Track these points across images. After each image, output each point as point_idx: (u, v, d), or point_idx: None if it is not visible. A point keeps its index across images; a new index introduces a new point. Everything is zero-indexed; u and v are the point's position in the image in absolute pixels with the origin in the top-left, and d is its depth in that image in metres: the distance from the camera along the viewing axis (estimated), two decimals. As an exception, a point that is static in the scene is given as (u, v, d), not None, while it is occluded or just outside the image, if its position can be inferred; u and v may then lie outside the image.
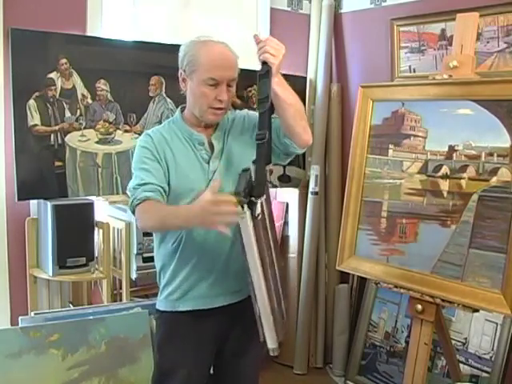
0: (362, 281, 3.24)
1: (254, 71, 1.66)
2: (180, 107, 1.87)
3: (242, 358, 1.87)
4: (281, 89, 1.66)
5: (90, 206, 2.56)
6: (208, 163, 1.77)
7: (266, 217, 1.64)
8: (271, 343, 1.62)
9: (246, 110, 1.92)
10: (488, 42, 2.80)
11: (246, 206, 1.46)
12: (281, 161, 1.88)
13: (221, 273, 1.77)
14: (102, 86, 2.65)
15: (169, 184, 1.74)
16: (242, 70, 1.78)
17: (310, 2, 3.50)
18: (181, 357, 1.79)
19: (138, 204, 1.66)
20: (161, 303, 1.85)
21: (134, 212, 1.70)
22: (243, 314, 1.76)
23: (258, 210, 1.51)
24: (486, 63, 2.81)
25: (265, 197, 1.58)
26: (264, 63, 1.61)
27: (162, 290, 1.84)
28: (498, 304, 1.87)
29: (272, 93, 1.62)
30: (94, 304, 2.63)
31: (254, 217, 1.49)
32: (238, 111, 1.92)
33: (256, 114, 1.76)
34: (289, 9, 3.46)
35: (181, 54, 1.77)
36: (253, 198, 1.49)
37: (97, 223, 2.59)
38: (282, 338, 1.68)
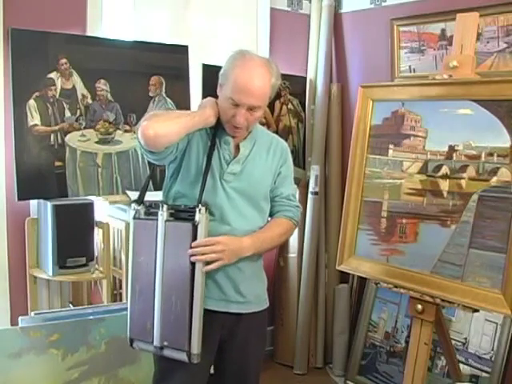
0: (362, 281, 3.24)
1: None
2: None
3: (244, 358, 1.86)
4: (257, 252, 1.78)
5: (90, 206, 2.56)
6: (228, 164, 1.77)
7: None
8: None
9: (288, 153, 1.92)
10: (488, 42, 2.80)
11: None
12: None
13: (223, 278, 1.75)
14: (102, 85, 2.65)
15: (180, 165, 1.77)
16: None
17: (310, 2, 3.50)
18: None
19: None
20: None
21: (140, 141, 1.66)
22: (251, 323, 1.79)
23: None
24: (486, 63, 2.80)
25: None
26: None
27: None
28: (498, 304, 1.87)
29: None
30: (94, 304, 2.63)
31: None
32: (280, 140, 1.93)
33: (289, 164, 1.90)
34: (289, 9, 3.45)
35: (225, 60, 1.77)
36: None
37: (97, 223, 2.59)
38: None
